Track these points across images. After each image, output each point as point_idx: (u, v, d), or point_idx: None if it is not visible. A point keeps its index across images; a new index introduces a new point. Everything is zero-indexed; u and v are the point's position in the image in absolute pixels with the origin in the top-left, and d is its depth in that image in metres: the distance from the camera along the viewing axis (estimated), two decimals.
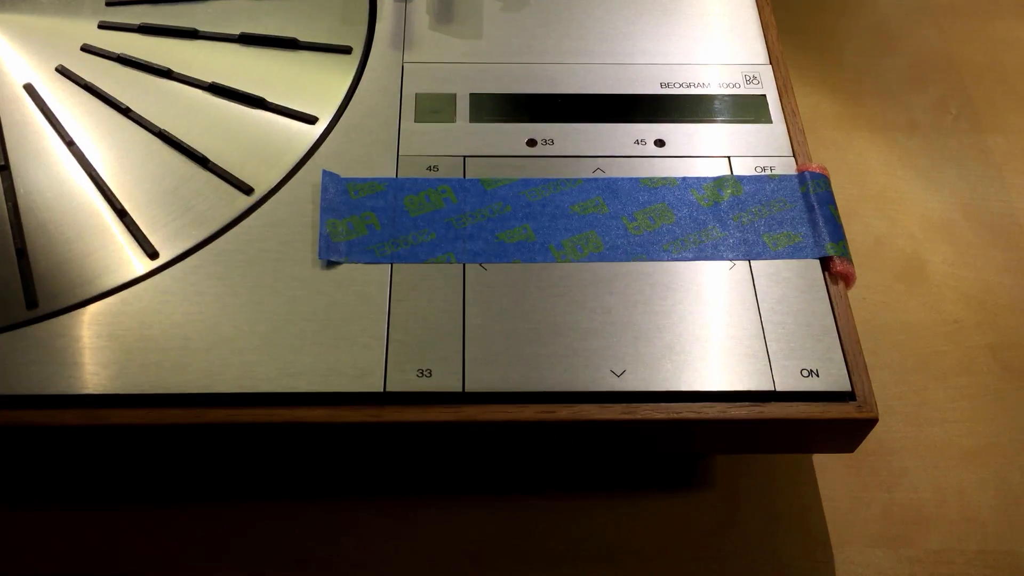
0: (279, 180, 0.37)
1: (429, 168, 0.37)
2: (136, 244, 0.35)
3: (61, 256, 0.35)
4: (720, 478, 0.38)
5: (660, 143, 0.38)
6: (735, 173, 0.37)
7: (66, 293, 0.34)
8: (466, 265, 0.34)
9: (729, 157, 0.38)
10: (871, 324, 0.43)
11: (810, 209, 0.36)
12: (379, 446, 0.33)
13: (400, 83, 0.40)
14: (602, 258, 0.35)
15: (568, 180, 0.37)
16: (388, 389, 0.31)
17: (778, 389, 0.32)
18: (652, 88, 0.40)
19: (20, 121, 0.39)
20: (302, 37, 0.42)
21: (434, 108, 0.39)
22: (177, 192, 0.37)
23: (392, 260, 0.34)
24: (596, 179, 0.37)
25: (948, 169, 0.49)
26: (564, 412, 0.31)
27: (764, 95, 0.40)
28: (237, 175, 0.37)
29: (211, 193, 0.37)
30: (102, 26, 0.43)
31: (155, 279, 0.34)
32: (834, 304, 0.34)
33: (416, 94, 0.40)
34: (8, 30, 0.43)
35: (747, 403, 0.32)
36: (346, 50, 0.42)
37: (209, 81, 0.40)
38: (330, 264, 0.34)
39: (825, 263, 0.35)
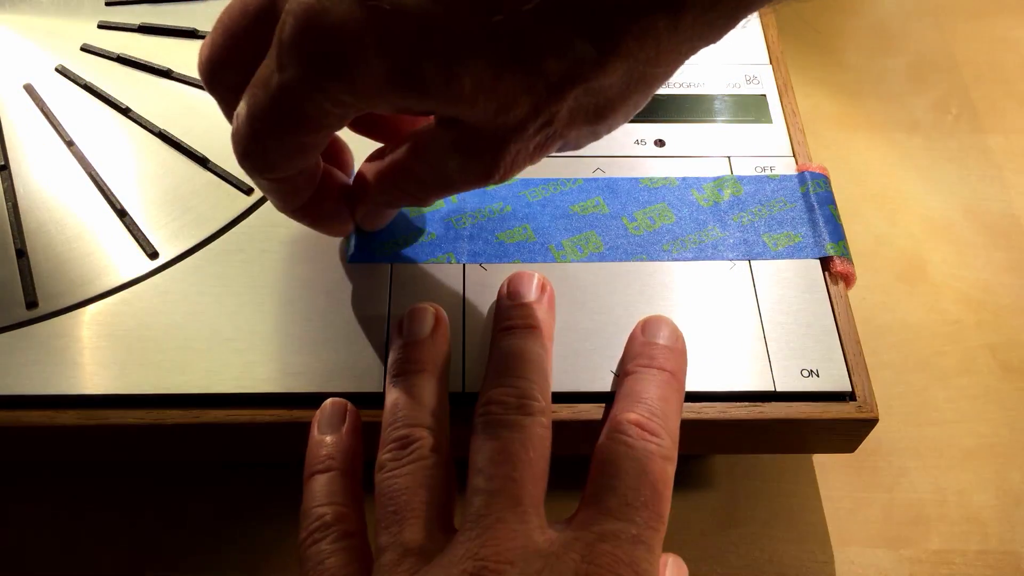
0: None
1: None
2: (136, 244, 0.35)
3: (61, 256, 0.35)
4: (720, 478, 0.38)
5: (660, 143, 0.38)
6: (735, 173, 0.37)
7: (66, 293, 0.34)
8: (466, 265, 0.34)
9: (729, 157, 0.38)
10: (871, 324, 0.43)
11: (810, 209, 0.36)
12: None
13: None
14: (602, 258, 0.35)
15: (568, 180, 0.37)
16: None
17: (778, 389, 0.32)
18: None
19: (20, 121, 0.39)
20: None
21: None
22: (177, 192, 0.37)
23: (392, 260, 0.34)
24: (596, 179, 0.37)
25: (948, 169, 0.49)
26: (564, 412, 0.31)
27: (764, 95, 0.40)
28: (237, 175, 0.37)
29: (211, 193, 0.37)
30: (102, 26, 0.43)
31: (155, 279, 0.34)
32: (834, 304, 0.34)
33: None
34: (8, 30, 0.43)
35: (747, 403, 0.32)
36: None
37: None
38: (329, 264, 0.34)
39: (825, 263, 0.35)
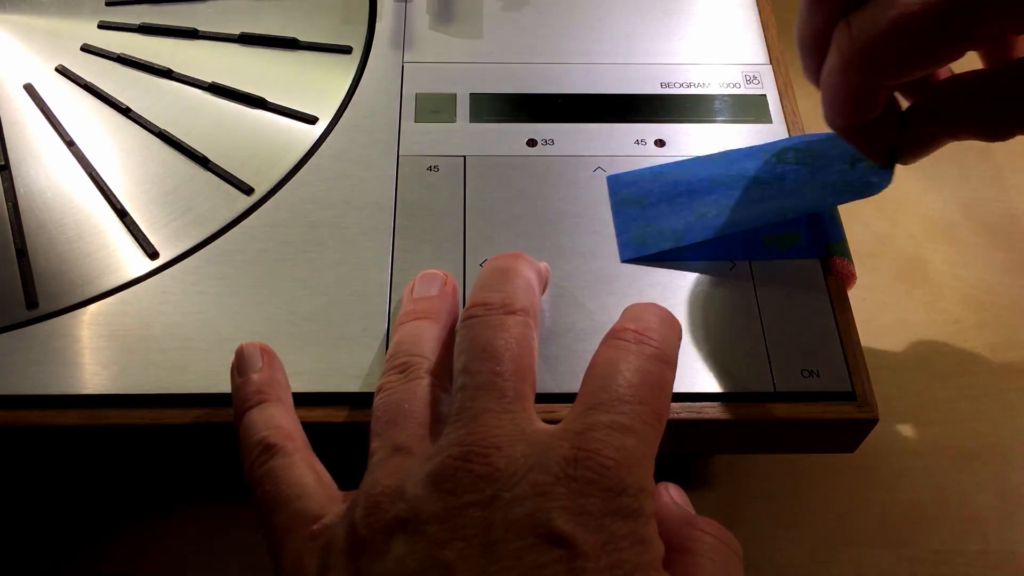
0: (279, 180, 0.37)
1: (429, 168, 0.37)
2: (136, 244, 0.35)
3: (61, 256, 0.35)
4: (720, 478, 0.38)
5: (660, 143, 0.38)
6: None
7: (66, 293, 0.34)
8: (466, 264, 0.34)
9: None
10: (871, 324, 0.43)
11: None
12: None
13: (400, 83, 0.40)
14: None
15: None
16: None
17: (778, 389, 0.32)
18: (652, 88, 0.40)
19: (20, 121, 0.39)
20: (302, 37, 0.42)
21: (434, 108, 0.39)
22: (177, 192, 0.37)
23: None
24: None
25: (948, 169, 0.49)
26: (564, 412, 0.31)
27: (764, 95, 0.40)
28: (237, 175, 0.37)
29: (211, 193, 0.37)
30: (102, 26, 0.43)
31: (155, 279, 0.34)
32: (834, 304, 0.34)
33: (416, 94, 0.40)
34: (8, 30, 0.43)
35: (747, 403, 0.32)
36: (346, 50, 0.42)
37: (209, 81, 0.40)
38: (329, 264, 0.34)
39: (825, 263, 0.35)
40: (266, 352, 0.30)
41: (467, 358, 0.26)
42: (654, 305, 0.28)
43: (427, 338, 0.29)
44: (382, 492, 0.24)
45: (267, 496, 0.27)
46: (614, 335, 0.27)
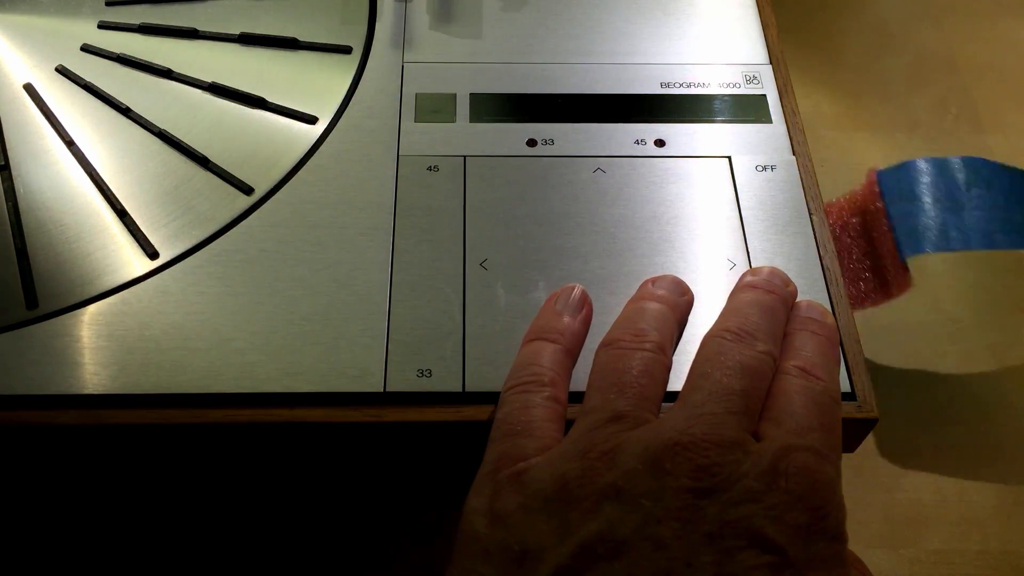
0: (279, 180, 0.37)
1: (429, 168, 0.37)
2: (136, 244, 0.35)
3: (61, 256, 0.35)
4: None
5: (660, 143, 0.38)
6: (735, 173, 0.37)
7: (66, 293, 0.34)
8: (466, 264, 0.34)
9: (730, 157, 0.38)
10: (871, 324, 0.42)
11: None
12: (379, 446, 0.33)
13: (400, 83, 0.40)
14: None
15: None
16: (388, 389, 0.31)
17: None
18: (652, 88, 0.40)
19: (20, 121, 0.39)
20: (302, 37, 0.42)
21: (434, 108, 0.39)
22: (177, 192, 0.37)
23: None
24: None
25: None
26: (572, 411, 0.31)
27: (764, 95, 0.40)
28: (237, 175, 0.37)
29: (211, 193, 0.37)
30: (102, 26, 0.43)
31: (155, 279, 0.34)
32: (834, 304, 0.34)
33: (416, 94, 0.40)
34: (8, 30, 0.43)
35: None
36: (346, 50, 0.42)
37: (209, 81, 0.41)
38: (329, 264, 0.34)
39: None
40: (585, 305, 0.32)
41: (711, 368, 0.28)
42: (822, 339, 0.30)
43: (664, 321, 0.31)
44: (599, 457, 0.26)
45: (502, 419, 0.29)
46: (785, 370, 0.29)
